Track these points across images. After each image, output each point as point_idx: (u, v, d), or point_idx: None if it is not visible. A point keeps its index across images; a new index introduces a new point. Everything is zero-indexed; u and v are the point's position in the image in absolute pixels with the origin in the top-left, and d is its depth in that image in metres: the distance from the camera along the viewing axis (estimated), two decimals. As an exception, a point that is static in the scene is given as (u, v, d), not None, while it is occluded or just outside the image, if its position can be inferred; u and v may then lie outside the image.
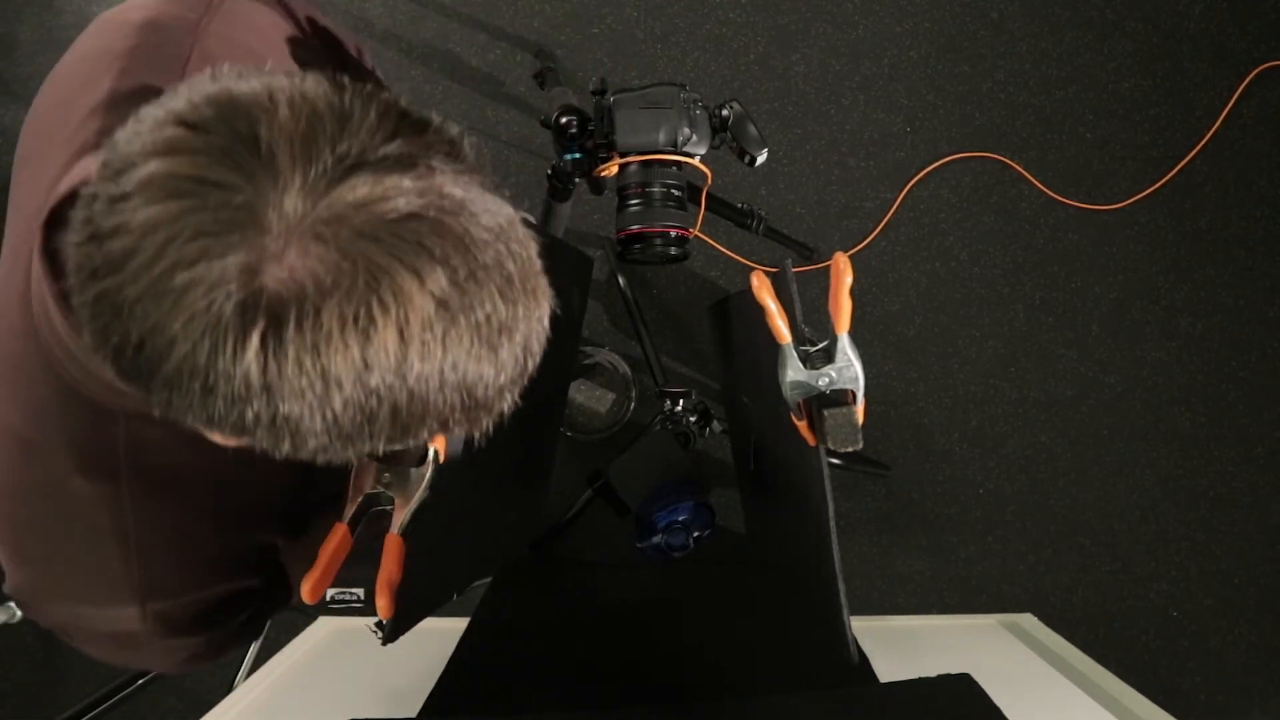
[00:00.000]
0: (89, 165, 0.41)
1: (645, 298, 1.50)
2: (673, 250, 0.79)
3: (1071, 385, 1.57)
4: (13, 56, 1.40)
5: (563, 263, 0.87)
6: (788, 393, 0.58)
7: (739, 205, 1.17)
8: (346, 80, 0.31)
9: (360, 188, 0.28)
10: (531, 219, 0.35)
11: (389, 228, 0.28)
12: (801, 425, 0.60)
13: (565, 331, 0.95)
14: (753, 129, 0.84)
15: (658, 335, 1.49)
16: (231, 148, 0.27)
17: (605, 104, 0.80)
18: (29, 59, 1.40)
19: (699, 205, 0.96)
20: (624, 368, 1.44)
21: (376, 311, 0.27)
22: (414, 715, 0.78)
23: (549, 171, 0.93)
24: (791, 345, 0.57)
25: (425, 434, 0.31)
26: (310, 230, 0.27)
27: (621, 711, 0.78)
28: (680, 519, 1.31)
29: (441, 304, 0.28)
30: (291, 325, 0.26)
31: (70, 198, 0.37)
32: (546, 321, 0.34)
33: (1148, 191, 1.58)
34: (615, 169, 0.82)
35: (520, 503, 0.88)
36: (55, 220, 0.36)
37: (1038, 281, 1.57)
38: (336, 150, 0.28)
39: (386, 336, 0.27)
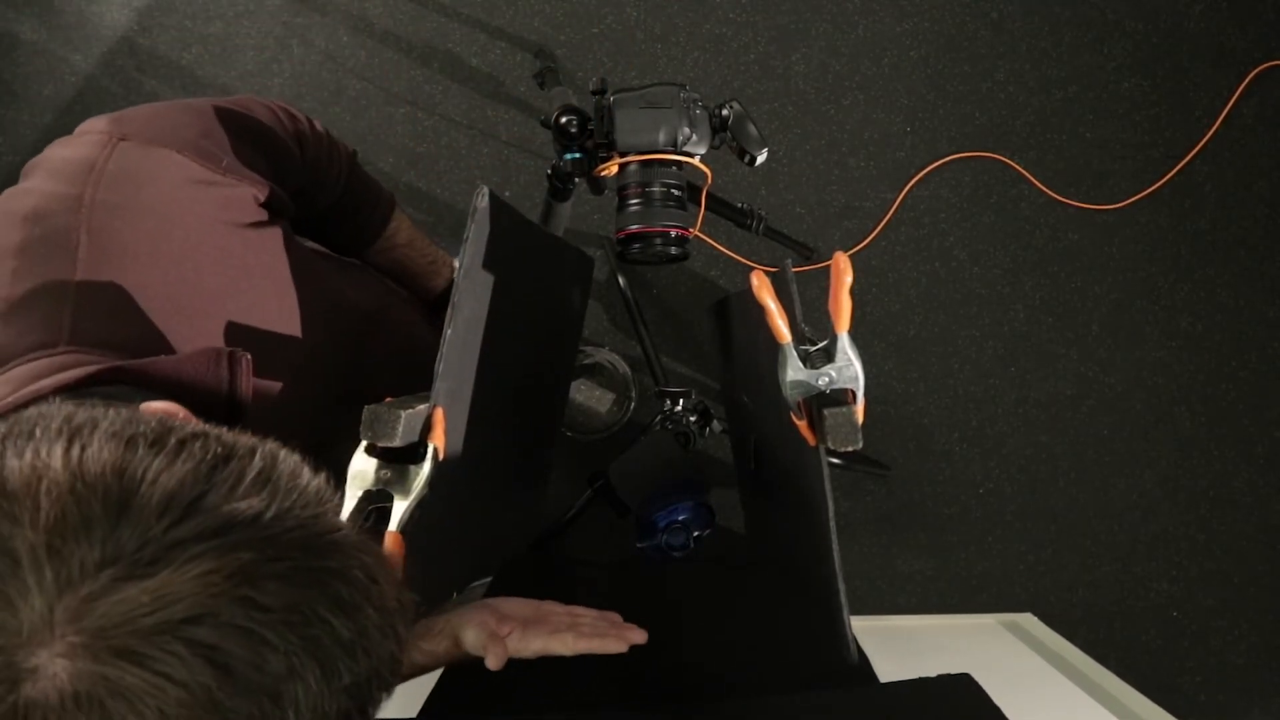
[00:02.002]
0: None
1: (645, 298, 1.50)
2: (673, 250, 0.79)
3: (1071, 385, 1.57)
4: (13, 56, 1.40)
5: (563, 263, 0.87)
6: (788, 392, 0.58)
7: (739, 205, 1.17)
8: (148, 430, 0.29)
9: (128, 590, 0.25)
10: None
11: (156, 640, 0.25)
12: (801, 425, 0.59)
13: (566, 331, 0.94)
14: (753, 129, 0.84)
15: (658, 335, 1.49)
16: None
17: (605, 104, 0.80)
18: (29, 59, 1.40)
19: (699, 205, 0.96)
20: (624, 368, 1.44)
21: None
22: (414, 715, 0.78)
23: (549, 171, 0.93)
24: (791, 345, 0.57)
25: None
26: (65, 647, 0.25)
27: (621, 712, 0.78)
28: (680, 519, 1.31)
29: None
30: None
31: None
32: (388, 668, 0.31)
33: (1148, 191, 1.58)
34: (615, 169, 0.81)
35: (520, 502, 0.88)
36: None
37: (1038, 281, 1.57)
38: (106, 549, 0.25)
39: None
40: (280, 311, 0.54)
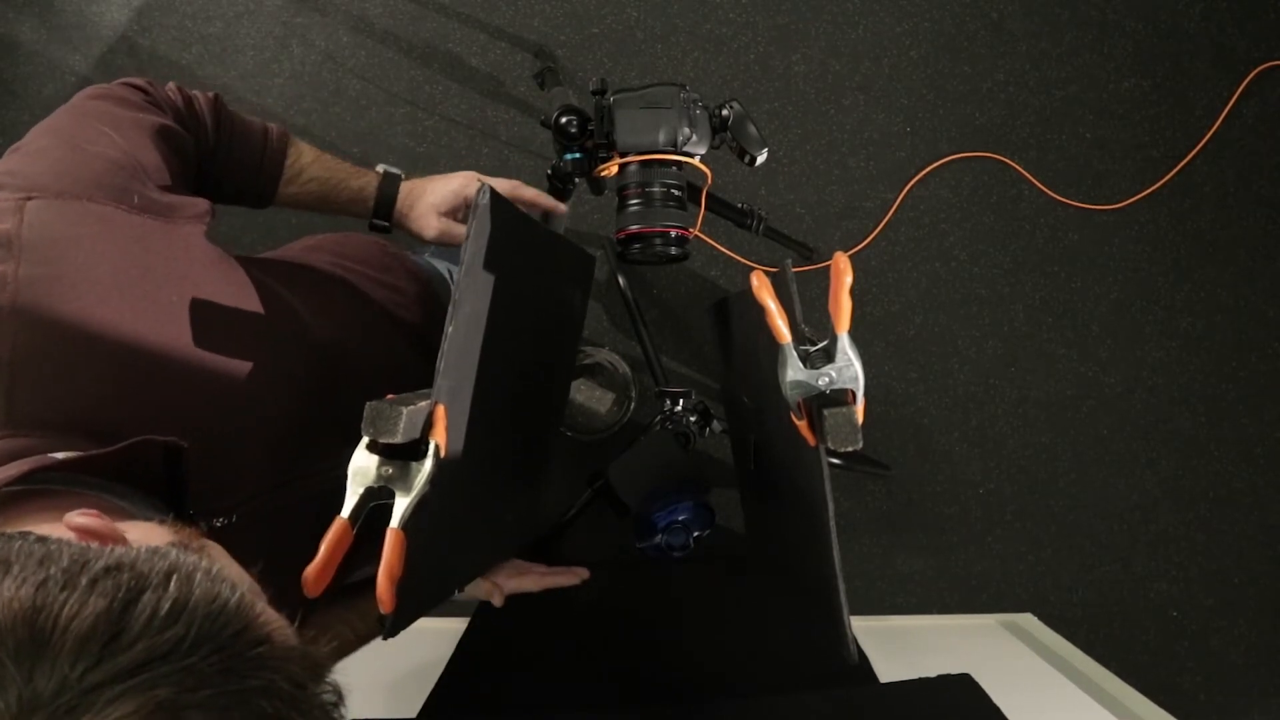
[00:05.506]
0: None
1: (645, 298, 1.50)
2: (673, 250, 0.79)
3: (1071, 385, 1.57)
4: (13, 56, 1.40)
5: (564, 261, 0.87)
6: (788, 392, 0.58)
7: (739, 205, 1.17)
8: (58, 572, 0.28)
9: None
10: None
11: None
12: (801, 425, 0.59)
13: (566, 330, 0.94)
14: (753, 129, 0.84)
15: (658, 335, 1.49)
16: None
17: (605, 104, 0.81)
18: (29, 59, 1.40)
19: (699, 205, 0.96)
20: (624, 368, 1.44)
21: None
22: (414, 715, 0.78)
23: (549, 171, 0.93)
24: (791, 345, 0.57)
25: None
26: None
27: (622, 712, 0.78)
28: (680, 519, 1.31)
29: None
30: None
31: None
32: None
33: (1148, 191, 1.58)
34: (615, 169, 0.82)
35: (520, 502, 0.88)
36: None
37: (1038, 281, 1.57)
38: (23, 702, 0.25)
39: None
40: (234, 355, 0.52)
